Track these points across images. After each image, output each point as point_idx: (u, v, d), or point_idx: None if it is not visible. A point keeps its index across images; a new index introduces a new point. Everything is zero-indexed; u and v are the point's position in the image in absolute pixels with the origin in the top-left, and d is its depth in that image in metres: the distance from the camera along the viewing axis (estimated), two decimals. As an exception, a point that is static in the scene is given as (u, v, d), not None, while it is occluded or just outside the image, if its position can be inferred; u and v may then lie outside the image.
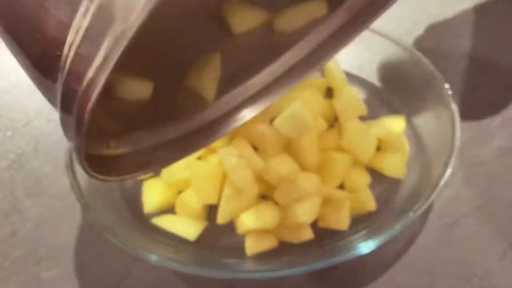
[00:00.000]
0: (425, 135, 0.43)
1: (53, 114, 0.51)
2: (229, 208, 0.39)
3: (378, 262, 0.39)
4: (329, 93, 0.47)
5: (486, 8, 0.55)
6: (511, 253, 0.39)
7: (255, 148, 0.41)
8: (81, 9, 0.21)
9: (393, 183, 0.42)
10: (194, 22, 0.33)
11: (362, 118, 0.44)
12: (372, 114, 0.46)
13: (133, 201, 0.43)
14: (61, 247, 0.41)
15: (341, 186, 0.42)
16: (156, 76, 0.33)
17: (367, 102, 0.45)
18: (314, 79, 0.47)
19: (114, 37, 0.21)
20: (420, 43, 0.53)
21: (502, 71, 0.50)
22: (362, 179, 0.42)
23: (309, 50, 0.34)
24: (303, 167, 0.41)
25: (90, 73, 0.22)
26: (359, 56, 0.48)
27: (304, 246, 0.39)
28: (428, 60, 0.45)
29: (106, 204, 0.41)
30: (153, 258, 0.36)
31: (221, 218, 0.40)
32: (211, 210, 0.41)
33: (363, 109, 0.45)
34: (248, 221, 0.39)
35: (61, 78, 0.23)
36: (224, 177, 0.40)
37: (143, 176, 0.43)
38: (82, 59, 0.22)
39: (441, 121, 0.42)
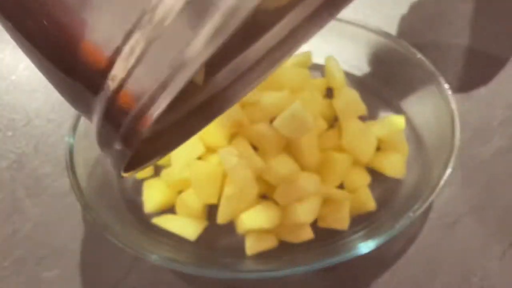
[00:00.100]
0: (425, 135, 0.44)
1: (53, 114, 0.51)
2: (229, 208, 0.40)
3: (378, 262, 0.39)
4: (329, 93, 0.47)
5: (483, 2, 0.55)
6: (510, 253, 0.39)
7: (255, 148, 0.41)
8: (138, 31, 0.21)
9: (393, 183, 0.42)
10: None
11: (362, 118, 0.44)
12: (372, 114, 0.46)
13: (133, 201, 0.43)
14: (61, 247, 0.42)
15: (341, 186, 0.42)
16: None
17: (367, 102, 0.45)
18: (314, 79, 0.47)
19: (180, 65, 0.20)
20: (419, 41, 0.53)
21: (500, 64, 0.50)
22: (362, 179, 0.42)
23: (292, 27, 0.34)
24: (303, 167, 0.41)
25: (151, 91, 0.21)
26: (359, 56, 0.49)
27: (304, 246, 0.39)
28: (428, 60, 0.45)
29: (106, 204, 0.41)
30: (153, 258, 0.36)
31: (221, 218, 0.40)
32: (211, 210, 0.41)
33: (363, 109, 0.45)
34: (248, 221, 0.39)
35: (107, 91, 0.22)
36: (224, 177, 0.40)
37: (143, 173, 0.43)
38: (141, 76, 0.21)
39: (441, 121, 0.42)
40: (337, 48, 0.48)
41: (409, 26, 0.54)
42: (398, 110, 0.46)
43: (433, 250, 0.40)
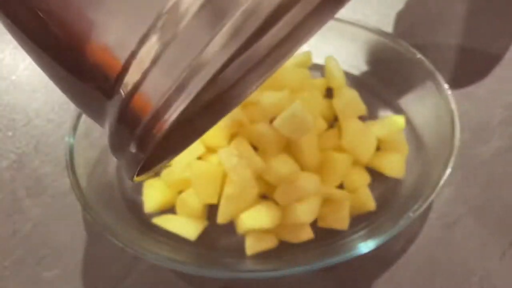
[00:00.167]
0: (425, 135, 0.44)
1: (54, 114, 0.51)
2: (229, 208, 0.40)
3: (377, 262, 0.39)
4: (329, 93, 0.47)
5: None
6: (510, 253, 0.39)
7: (255, 148, 0.41)
8: (153, 34, 0.20)
9: (393, 183, 0.42)
10: None
11: (362, 118, 0.44)
12: (372, 114, 0.46)
13: (133, 201, 0.43)
14: (62, 247, 0.42)
15: (341, 186, 0.42)
16: None
17: (367, 102, 0.45)
18: (314, 79, 0.47)
19: (196, 69, 0.20)
20: (419, 40, 0.53)
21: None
22: (361, 179, 0.42)
23: (294, 24, 0.34)
24: (303, 167, 0.41)
25: (167, 94, 0.21)
26: (359, 56, 0.49)
27: (304, 246, 0.39)
28: (428, 59, 0.45)
29: (106, 204, 0.41)
30: (153, 258, 0.36)
31: (221, 218, 0.40)
32: (211, 210, 0.41)
33: (362, 109, 0.45)
34: (248, 221, 0.39)
35: (121, 94, 0.22)
36: (224, 177, 0.40)
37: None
38: (157, 79, 0.21)
39: (441, 121, 0.42)
40: (337, 48, 0.48)
41: (409, 26, 0.54)
42: (398, 110, 0.46)
43: (433, 250, 0.40)
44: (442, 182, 0.38)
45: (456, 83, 0.49)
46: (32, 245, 0.42)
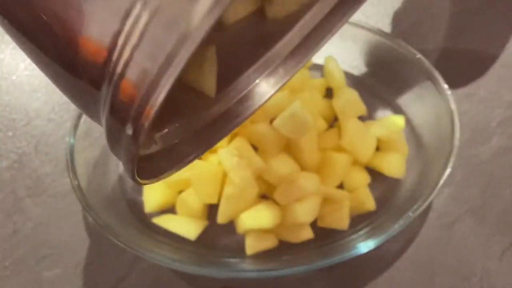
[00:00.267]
0: (424, 135, 0.44)
1: (54, 114, 0.51)
2: (229, 208, 0.40)
3: (377, 262, 0.39)
4: (328, 93, 0.47)
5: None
6: (510, 252, 0.39)
7: (255, 148, 0.41)
8: (135, 10, 0.20)
9: (393, 183, 0.42)
10: None
11: (362, 118, 0.44)
12: (371, 114, 0.46)
13: (134, 200, 0.43)
14: (62, 246, 0.42)
15: (341, 186, 0.42)
16: None
17: (367, 102, 0.45)
18: (314, 79, 0.47)
19: (181, 39, 0.20)
20: (419, 41, 0.53)
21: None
22: (361, 179, 0.42)
23: (304, 35, 0.34)
24: (303, 167, 0.41)
25: (151, 78, 0.21)
26: (359, 56, 0.49)
27: (304, 246, 0.40)
28: (428, 60, 0.45)
29: (107, 204, 0.41)
30: (153, 257, 0.36)
31: (221, 217, 0.40)
32: (211, 210, 0.41)
33: (362, 109, 0.45)
34: (248, 220, 0.39)
35: (109, 84, 0.22)
36: (224, 177, 0.40)
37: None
38: (140, 63, 0.21)
39: (441, 121, 0.42)
40: (337, 48, 0.48)
41: (409, 26, 0.54)
42: (398, 110, 0.46)
43: (433, 250, 0.40)
44: (441, 182, 0.38)
45: (456, 83, 0.49)
46: (32, 245, 0.42)
